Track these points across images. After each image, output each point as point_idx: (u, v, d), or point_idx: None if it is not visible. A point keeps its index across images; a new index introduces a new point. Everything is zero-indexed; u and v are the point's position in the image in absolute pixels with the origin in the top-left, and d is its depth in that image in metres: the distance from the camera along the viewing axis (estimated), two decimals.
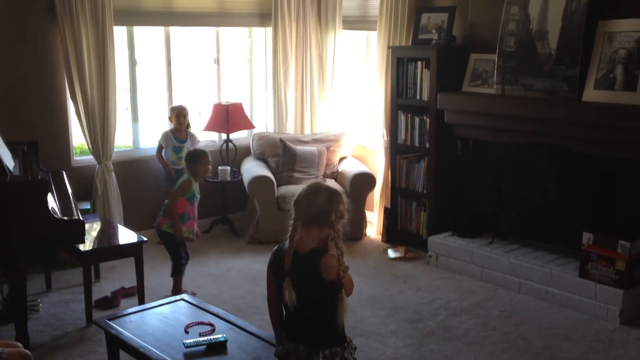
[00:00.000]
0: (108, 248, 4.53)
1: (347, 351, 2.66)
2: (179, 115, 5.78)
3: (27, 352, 2.99)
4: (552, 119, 4.60)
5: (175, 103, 6.03)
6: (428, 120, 5.47)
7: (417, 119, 5.60)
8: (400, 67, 5.65)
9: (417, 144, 5.64)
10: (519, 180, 5.06)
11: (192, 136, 5.93)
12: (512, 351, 3.94)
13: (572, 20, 4.52)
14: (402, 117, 5.71)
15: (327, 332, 2.62)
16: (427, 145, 5.51)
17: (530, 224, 5.03)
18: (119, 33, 5.72)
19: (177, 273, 4.70)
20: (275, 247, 2.73)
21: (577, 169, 4.69)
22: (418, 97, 5.56)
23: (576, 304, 4.46)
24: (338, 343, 2.63)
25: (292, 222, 2.64)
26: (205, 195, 6.24)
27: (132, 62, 5.91)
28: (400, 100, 5.70)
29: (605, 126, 4.32)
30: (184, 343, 3.07)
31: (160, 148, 5.84)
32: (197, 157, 4.67)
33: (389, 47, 5.77)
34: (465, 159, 5.36)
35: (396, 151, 5.82)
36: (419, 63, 5.50)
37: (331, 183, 6.13)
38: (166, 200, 4.71)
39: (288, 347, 2.66)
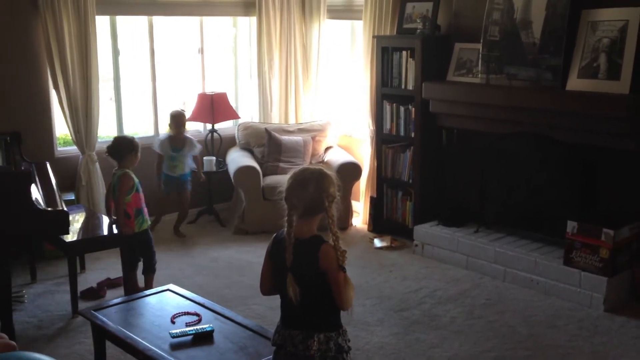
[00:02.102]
0: (93, 239, 4.49)
1: (342, 338, 2.63)
2: (179, 125, 5.68)
3: (13, 343, 2.97)
4: (536, 108, 4.63)
5: (175, 108, 5.88)
6: (413, 109, 5.48)
7: (402, 109, 5.61)
8: (385, 56, 5.64)
9: (402, 134, 5.65)
10: (504, 169, 5.09)
11: (191, 143, 5.79)
12: (497, 339, 3.97)
13: (555, 10, 4.54)
14: (387, 107, 5.72)
15: (324, 318, 2.60)
16: (413, 135, 5.53)
17: (515, 212, 5.07)
18: (102, 23, 5.67)
19: (152, 271, 4.59)
20: (275, 234, 2.65)
21: (561, 157, 4.72)
22: (403, 86, 5.56)
23: (560, 291, 4.50)
24: (333, 329, 2.62)
25: (286, 217, 2.53)
26: (191, 186, 6.25)
27: (115, 52, 5.86)
28: (386, 89, 5.71)
29: (589, 115, 4.35)
30: (170, 333, 3.07)
31: (160, 159, 5.75)
32: (137, 146, 4.47)
33: (373, 37, 5.77)
34: (450, 148, 5.38)
35: (382, 141, 5.83)
36: (404, 52, 5.50)
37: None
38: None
39: (283, 334, 2.63)
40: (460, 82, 5.23)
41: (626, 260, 4.40)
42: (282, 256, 2.52)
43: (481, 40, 4.95)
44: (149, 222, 4.56)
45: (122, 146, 4.44)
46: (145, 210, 4.51)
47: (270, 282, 2.64)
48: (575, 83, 4.50)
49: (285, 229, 2.51)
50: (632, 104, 4.18)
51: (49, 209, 3.91)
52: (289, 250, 2.49)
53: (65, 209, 4.01)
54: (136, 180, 4.46)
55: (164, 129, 6.39)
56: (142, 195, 4.49)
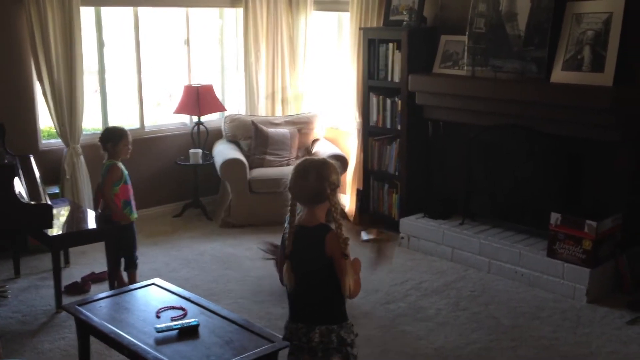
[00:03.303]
0: (77, 233, 4.45)
1: (345, 330, 2.66)
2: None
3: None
4: (521, 100, 4.64)
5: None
6: (399, 102, 5.48)
7: (388, 101, 5.61)
8: (371, 48, 5.64)
9: (388, 126, 5.65)
10: (489, 161, 5.11)
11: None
12: (482, 330, 4.00)
13: (540, 2, 4.55)
14: (373, 99, 5.72)
15: (326, 309, 2.65)
16: (399, 127, 5.53)
17: (500, 204, 5.09)
18: (87, 14, 5.62)
19: (134, 267, 4.55)
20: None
21: (545, 149, 4.75)
22: (389, 78, 5.56)
23: (544, 283, 4.54)
24: (335, 321, 2.65)
25: (289, 207, 2.58)
26: (177, 179, 6.24)
27: (100, 44, 5.81)
28: (372, 82, 5.70)
29: (573, 107, 4.37)
30: (155, 328, 3.06)
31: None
32: (122, 136, 4.37)
33: (360, 29, 5.75)
34: (436, 141, 5.39)
35: (368, 133, 5.83)
36: (390, 44, 5.50)
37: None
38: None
39: (291, 328, 2.71)
40: (446, 74, 5.23)
41: (609, 251, 4.43)
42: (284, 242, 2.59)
43: (467, 33, 4.96)
44: (136, 216, 4.53)
45: (111, 136, 4.40)
46: (134, 203, 4.49)
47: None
48: (559, 75, 4.52)
49: (288, 219, 2.56)
50: (616, 96, 4.20)
51: (33, 202, 3.88)
52: (289, 239, 2.56)
53: (49, 202, 3.99)
54: (125, 172, 4.43)
55: (151, 121, 6.37)
56: (130, 187, 4.46)
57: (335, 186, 2.57)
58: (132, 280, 4.52)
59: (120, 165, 4.40)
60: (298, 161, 2.65)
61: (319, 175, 2.55)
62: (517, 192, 4.94)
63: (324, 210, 2.61)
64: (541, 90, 4.53)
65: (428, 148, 5.48)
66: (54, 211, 4.03)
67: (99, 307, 3.35)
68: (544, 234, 4.63)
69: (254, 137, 6.13)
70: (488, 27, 4.84)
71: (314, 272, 2.59)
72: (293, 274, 2.58)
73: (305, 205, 2.59)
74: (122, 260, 4.55)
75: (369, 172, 5.88)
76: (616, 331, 3.97)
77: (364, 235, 5.57)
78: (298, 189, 2.56)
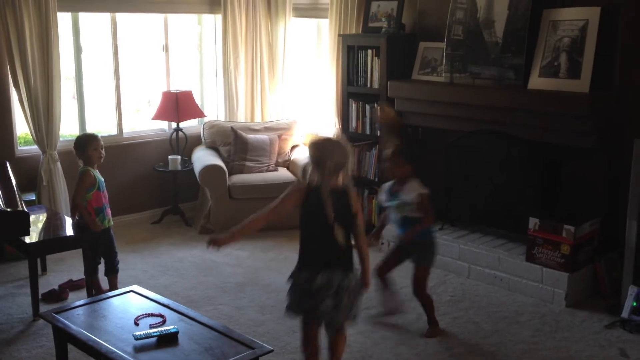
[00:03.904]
0: (54, 240, 4.40)
1: (347, 276, 3.11)
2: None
3: None
4: (499, 107, 4.68)
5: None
6: (379, 108, 5.50)
7: (368, 107, 5.62)
8: (350, 55, 5.66)
9: (368, 132, 5.67)
10: (468, 166, 5.14)
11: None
12: (462, 335, 4.01)
13: (517, 9, 4.60)
14: (353, 105, 5.74)
15: (342, 256, 3.13)
16: (378, 133, 5.55)
17: (478, 209, 5.12)
18: (64, 19, 5.57)
19: (115, 272, 4.51)
20: (299, 186, 3.16)
21: (523, 155, 4.79)
22: (369, 85, 5.59)
23: (523, 287, 4.57)
24: (347, 267, 3.14)
25: (320, 177, 3.06)
26: (155, 185, 6.20)
27: (78, 50, 5.77)
28: (351, 88, 5.72)
29: (551, 113, 4.42)
30: (133, 335, 3.03)
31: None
32: (88, 142, 4.35)
33: (339, 35, 5.78)
34: (416, 146, 5.41)
35: (348, 139, 5.83)
36: (369, 51, 5.52)
37: (283, 172, 6.12)
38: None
39: (297, 277, 3.16)
40: (425, 80, 5.26)
41: (587, 256, 4.48)
42: (316, 205, 3.05)
43: (445, 40, 4.99)
44: (112, 222, 4.49)
45: (79, 143, 4.39)
46: (108, 210, 4.44)
47: (286, 212, 3.15)
48: (536, 82, 4.57)
49: (321, 185, 3.06)
50: (592, 102, 4.25)
51: (9, 209, 3.83)
52: (328, 205, 3.03)
53: (25, 209, 3.94)
54: (99, 178, 4.38)
55: (129, 128, 6.32)
56: (105, 193, 4.42)
57: (349, 157, 3.20)
58: (113, 285, 4.47)
59: (93, 171, 4.36)
60: (316, 140, 3.19)
61: (342, 149, 3.15)
62: (496, 197, 4.97)
63: (344, 177, 3.13)
64: (519, 96, 4.58)
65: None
66: (31, 218, 3.98)
67: (77, 315, 3.31)
68: (523, 238, 4.66)
69: (234, 143, 6.12)
70: (466, 34, 4.88)
71: (346, 224, 3.13)
72: (341, 229, 3.07)
73: (331, 174, 3.07)
74: (101, 266, 4.51)
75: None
76: (595, 335, 4.01)
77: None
78: (329, 161, 3.06)
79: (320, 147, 3.14)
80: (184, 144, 6.23)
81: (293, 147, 6.41)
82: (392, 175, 4.06)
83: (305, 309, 3.16)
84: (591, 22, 4.34)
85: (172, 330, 3.07)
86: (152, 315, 3.29)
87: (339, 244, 3.07)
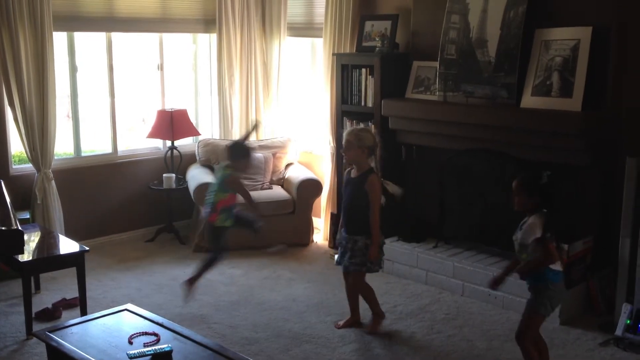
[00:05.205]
0: (48, 258, 4.40)
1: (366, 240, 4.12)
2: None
3: None
4: (492, 125, 4.71)
5: None
6: (373, 126, 5.53)
7: (362, 125, 5.65)
8: (345, 73, 5.69)
9: None
10: (462, 185, 5.16)
11: None
12: (456, 353, 4.01)
13: (510, 29, 4.65)
14: (347, 124, 5.76)
15: (362, 223, 4.15)
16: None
17: (472, 227, 5.13)
18: (59, 39, 5.60)
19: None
20: (347, 170, 4.31)
21: (516, 173, 4.79)
22: (363, 103, 5.62)
23: (517, 305, 4.55)
24: (365, 233, 4.14)
25: (369, 161, 4.18)
26: (150, 203, 6.20)
27: (73, 69, 5.79)
28: (346, 106, 5.75)
29: (543, 132, 4.45)
30: (127, 354, 3.03)
31: None
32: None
33: (333, 54, 5.82)
34: (410, 165, 5.44)
35: (342, 157, 5.85)
36: (363, 70, 5.56)
37: (278, 190, 6.13)
38: (208, 196, 4.58)
39: (340, 237, 4.29)
40: (418, 99, 5.30)
41: (581, 273, 4.49)
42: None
43: (438, 59, 5.04)
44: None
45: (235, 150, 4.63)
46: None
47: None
48: (529, 100, 4.61)
49: (373, 166, 4.22)
50: (585, 120, 4.29)
51: (3, 228, 3.83)
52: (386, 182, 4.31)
53: (19, 227, 3.93)
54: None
55: (124, 146, 6.33)
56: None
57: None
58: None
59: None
60: (353, 130, 4.26)
61: (373, 136, 4.23)
62: (490, 215, 4.99)
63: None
64: (512, 115, 4.61)
65: (401, 172, 5.52)
66: (25, 236, 3.98)
67: (71, 334, 3.30)
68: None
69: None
70: (459, 54, 4.93)
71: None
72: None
73: (368, 156, 4.17)
74: (187, 270, 4.57)
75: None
76: (589, 353, 4.01)
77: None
78: (367, 143, 4.13)
79: (357, 135, 4.14)
80: (179, 162, 6.24)
81: (287, 165, 6.43)
82: (516, 208, 3.63)
83: None
84: (583, 41, 4.39)
85: (166, 349, 3.06)
86: (146, 333, 3.28)
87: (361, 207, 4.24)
